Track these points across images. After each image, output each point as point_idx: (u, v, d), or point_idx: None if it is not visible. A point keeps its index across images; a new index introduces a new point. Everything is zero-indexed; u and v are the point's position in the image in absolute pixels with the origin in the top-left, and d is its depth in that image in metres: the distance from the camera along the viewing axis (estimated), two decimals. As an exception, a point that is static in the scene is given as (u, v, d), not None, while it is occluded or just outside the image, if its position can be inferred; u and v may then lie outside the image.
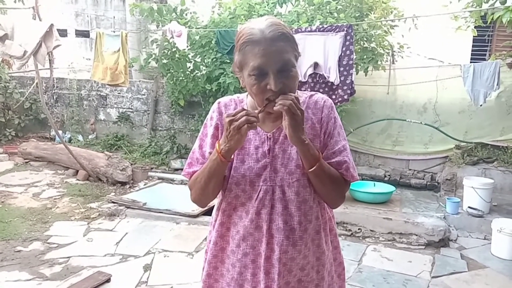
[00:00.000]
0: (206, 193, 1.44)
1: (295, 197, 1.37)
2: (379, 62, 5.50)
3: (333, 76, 3.97)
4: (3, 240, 3.94)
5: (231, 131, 1.26)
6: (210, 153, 1.41)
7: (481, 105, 4.93)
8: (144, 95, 7.27)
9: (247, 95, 1.49)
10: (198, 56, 6.12)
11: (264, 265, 1.37)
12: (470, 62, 5.54)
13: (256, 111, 1.31)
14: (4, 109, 7.41)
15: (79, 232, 4.21)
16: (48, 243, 3.94)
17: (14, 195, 5.06)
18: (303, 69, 4.12)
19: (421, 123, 5.76)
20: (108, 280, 3.25)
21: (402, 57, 5.99)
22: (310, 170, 1.34)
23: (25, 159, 6.34)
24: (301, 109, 1.27)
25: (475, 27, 5.66)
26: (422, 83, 5.78)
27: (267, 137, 1.41)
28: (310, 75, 4.07)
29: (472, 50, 6.60)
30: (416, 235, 4.17)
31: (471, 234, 4.44)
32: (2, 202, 4.85)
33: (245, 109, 1.27)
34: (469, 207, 4.57)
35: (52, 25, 4.23)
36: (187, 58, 6.20)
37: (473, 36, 5.96)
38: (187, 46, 5.70)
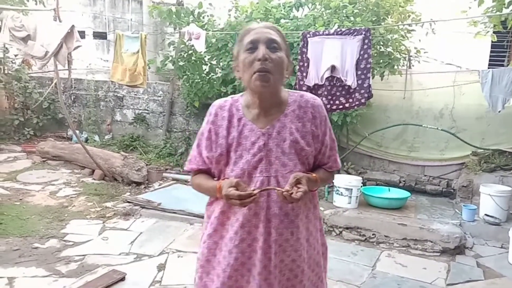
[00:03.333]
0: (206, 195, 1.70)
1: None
2: (395, 67, 5.46)
3: (350, 80, 3.95)
4: (21, 236, 4.01)
5: (236, 202, 1.44)
6: (207, 156, 1.60)
7: (499, 112, 4.86)
8: (160, 96, 7.35)
9: (241, 95, 1.65)
10: (214, 58, 6.17)
11: (262, 247, 1.52)
12: (488, 68, 5.47)
13: (255, 191, 1.45)
14: (23, 109, 7.56)
15: (94, 231, 4.26)
16: (64, 240, 4.00)
17: (31, 193, 5.15)
18: (320, 72, 4.12)
19: (437, 128, 5.70)
20: (122, 279, 3.28)
21: (419, 62, 5.95)
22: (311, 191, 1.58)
23: (42, 158, 6.45)
24: (305, 192, 1.45)
25: (494, 32, 5.59)
26: (439, 88, 5.72)
27: (262, 133, 1.56)
28: (327, 78, 4.05)
29: (490, 56, 6.53)
30: (431, 242, 4.12)
31: (487, 242, 4.37)
32: (20, 199, 4.94)
33: (247, 196, 1.43)
34: (485, 214, 4.51)
35: (73, 26, 4.31)
36: (203, 61, 6.25)
37: (492, 42, 5.89)
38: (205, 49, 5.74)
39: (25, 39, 4.21)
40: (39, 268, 3.42)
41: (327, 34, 4.07)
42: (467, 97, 5.69)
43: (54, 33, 4.22)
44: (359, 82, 3.93)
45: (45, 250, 3.76)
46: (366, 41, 3.94)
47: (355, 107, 4.14)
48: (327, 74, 4.02)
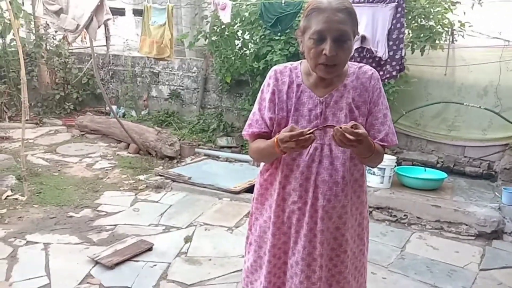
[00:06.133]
0: (264, 161, 1.72)
1: (341, 154, 1.58)
2: (437, 41, 5.16)
3: (381, 51, 3.75)
4: (57, 205, 4.19)
5: (291, 145, 1.42)
6: (270, 118, 1.62)
7: (549, 89, 4.52)
8: (194, 73, 7.36)
9: (300, 63, 1.67)
10: (247, 33, 6.07)
11: (309, 211, 1.59)
12: (542, 43, 5.06)
13: (309, 132, 1.42)
14: (64, 84, 7.81)
15: (126, 202, 4.39)
16: (97, 211, 4.15)
17: (69, 165, 5.36)
18: (349, 43, 3.96)
19: (480, 107, 5.38)
20: (150, 249, 3.37)
21: (463, 36, 5.59)
22: (363, 158, 1.56)
23: (81, 131, 6.68)
24: (362, 136, 1.37)
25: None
26: (483, 64, 5.36)
27: (320, 101, 1.59)
28: (356, 49, 3.86)
29: (544, 30, 6.04)
30: (466, 225, 3.95)
31: (528, 227, 4.13)
32: (59, 170, 5.15)
33: (304, 131, 1.40)
34: (528, 198, 4.25)
35: (103, -1, 4.36)
36: (236, 36, 6.17)
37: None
38: (235, 23, 5.65)
39: (58, 13, 4.30)
40: (73, 236, 3.57)
41: (357, 2, 3.85)
42: (515, 74, 5.31)
43: (85, 6, 4.28)
44: (391, 53, 3.73)
45: (79, 219, 3.92)
46: (399, 9, 3.70)
47: (386, 80, 3.95)
48: (356, 45, 3.82)
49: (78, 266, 3.08)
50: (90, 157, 5.71)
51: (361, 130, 1.39)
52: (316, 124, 1.56)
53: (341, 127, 1.37)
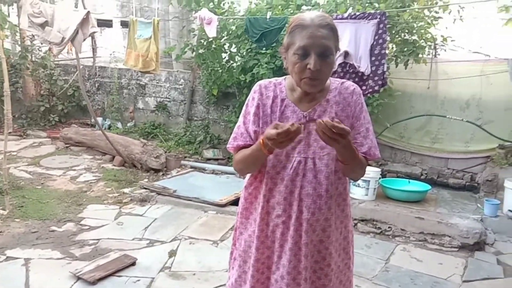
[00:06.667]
0: (250, 170, 1.71)
1: (324, 168, 1.60)
2: (420, 55, 5.27)
3: (364, 66, 3.82)
4: (39, 219, 4.12)
5: (281, 141, 1.43)
6: (255, 131, 1.64)
7: (528, 103, 4.63)
8: (181, 85, 7.38)
9: (284, 78, 1.71)
10: (234, 46, 6.12)
11: (294, 224, 1.61)
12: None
13: (296, 124, 1.43)
14: (49, 96, 7.76)
15: (110, 216, 4.34)
16: (80, 224, 4.09)
17: (53, 178, 5.30)
18: (332, 58, 4.03)
19: (462, 120, 5.48)
20: (133, 264, 3.33)
21: (445, 50, 5.71)
22: (346, 164, 1.57)
23: (66, 143, 6.61)
24: (344, 131, 1.39)
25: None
26: (465, 78, 5.48)
27: (303, 115, 1.62)
28: (340, 64, 3.93)
29: (526, 45, 6.18)
30: (449, 237, 3.99)
31: (510, 239, 4.18)
32: (42, 183, 5.09)
33: (291, 128, 1.41)
34: (509, 210, 4.32)
35: (88, 12, 4.35)
36: (222, 49, 6.22)
37: (526, 30, 5.57)
38: (222, 36, 5.70)
39: (43, 25, 4.28)
40: (55, 251, 3.51)
41: (340, 18, 3.94)
42: (495, 87, 5.42)
43: (71, 19, 4.27)
44: (373, 68, 3.80)
45: (61, 233, 3.86)
46: (382, 25, 3.80)
47: (369, 94, 4.02)
48: (339, 60, 3.90)
49: (60, 282, 3.02)
50: (74, 170, 5.65)
51: (344, 126, 1.41)
52: (300, 138, 1.56)
53: (323, 120, 1.40)
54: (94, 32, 4.48)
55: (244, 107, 1.72)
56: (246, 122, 1.68)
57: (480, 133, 5.50)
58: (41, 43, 7.23)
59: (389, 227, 4.22)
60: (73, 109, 7.99)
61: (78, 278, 3.05)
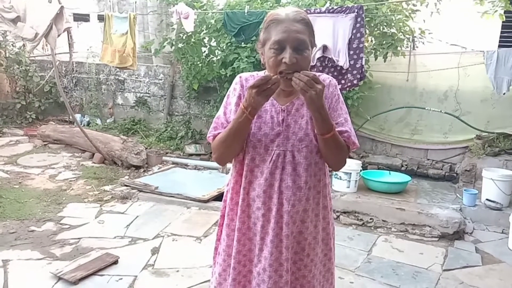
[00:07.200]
0: (230, 151, 1.66)
1: (303, 160, 1.62)
2: (398, 48, 5.31)
3: (342, 60, 3.83)
4: (18, 220, 4.03)
5: (263, 90, 1.46)
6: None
7: (504, 94, 4.73)
8: (161, 80, 7.28)
9: (264, 73, 1.69)
10: (214, 40, 6.06)
11: (275, 216, 1.62)
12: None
13: (274, 76, 1.48)
14: (25, 92, 7.56)
15: (91, 214, 4.27)
16: (60, 224, 4.02)
17: (31, 177, 5.17)
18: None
19: (441, 111, 5.57)
20: (115, 262, 3.29)
21: (423, 43, 5.80)
22: (323, 136, 1.56)
23: (44, 141, 6.46)
24: (321, 84, 1.46)
25: (504, 12, 5.37)
26: (443, 70, 5.57)
27: (282, 109, 1.64)
28: (318, 58, 3.93)
29: (500, 37, 6.29)
30: (430, 227, 4.06)
31: (488, 227, 4.29)
32: (20, 183, 4.96)
33: (267, 78, 1.46)
34: (487, 199, 4.42)
35: (62, 7, 4.23)
36: (202, 43, 6.15)
37: (502, 22, 5.67)
38: (201, 30, 5.63)
39: (15, 21, 4.15)
40: (34, 251, 3.44)
41: (318, 12, 3.93)
42: (472, 79, 5.53)
43: (44, 14, 4.15)
44: (351, 62, 3.82)
45: (41, 233, 3.78)
46: (359, 19, 3.80)
47: (347, 88, 4.04)
48: (318, 54, 3.90)
49: (40, 283, 2.96)
50: (53, 168, 5.53)
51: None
52: (278, 131, 1.61)
53: (300, 72, 1.47)
54: (69, 28, 4.37)
55: (225, 98, 1.74)
56: (227, 113, 1.69)
57: (458, 124, 5.61)
58: (14, 39, 7.04)
59: (370, 219, 4.27)
60: (51, 106, 7.81)
61: (59, 279, 2.99)
